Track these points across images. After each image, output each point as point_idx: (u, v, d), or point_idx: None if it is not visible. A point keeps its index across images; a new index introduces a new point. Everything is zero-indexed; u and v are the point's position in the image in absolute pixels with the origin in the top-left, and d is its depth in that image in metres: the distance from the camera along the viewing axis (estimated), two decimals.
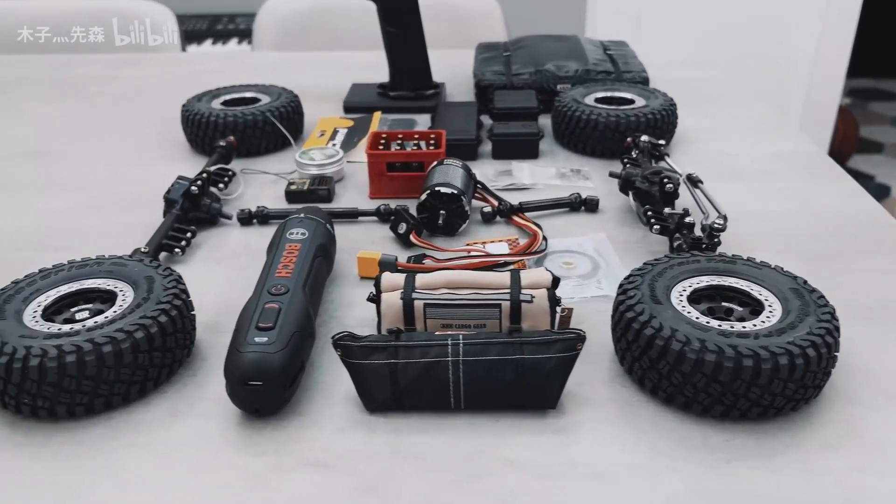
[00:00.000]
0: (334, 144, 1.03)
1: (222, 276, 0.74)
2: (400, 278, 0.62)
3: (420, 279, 0.61)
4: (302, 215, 0.72)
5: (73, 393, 0.53)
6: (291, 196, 0.88)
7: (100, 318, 0.57)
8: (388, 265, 0.72)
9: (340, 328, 0.66)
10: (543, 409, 0.55)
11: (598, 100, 1.03)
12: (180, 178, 0.84)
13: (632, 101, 1.02)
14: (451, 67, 1.32)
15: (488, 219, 0.83)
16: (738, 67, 2.38)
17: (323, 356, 0.62)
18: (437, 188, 0.78)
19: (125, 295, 0.60)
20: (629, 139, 0.94)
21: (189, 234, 0.78)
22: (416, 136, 0.91)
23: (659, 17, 2.72)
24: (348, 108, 1.17)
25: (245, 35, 2.91)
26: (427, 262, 0.73)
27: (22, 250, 0.80)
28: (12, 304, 0.58)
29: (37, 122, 1.18)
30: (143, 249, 0.72)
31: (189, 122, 1.01)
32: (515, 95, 1.07)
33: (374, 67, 1.37)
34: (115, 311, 0.58)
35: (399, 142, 0.91)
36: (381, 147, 0.89)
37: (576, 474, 0.49)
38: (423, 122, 1.13)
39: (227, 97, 1.06)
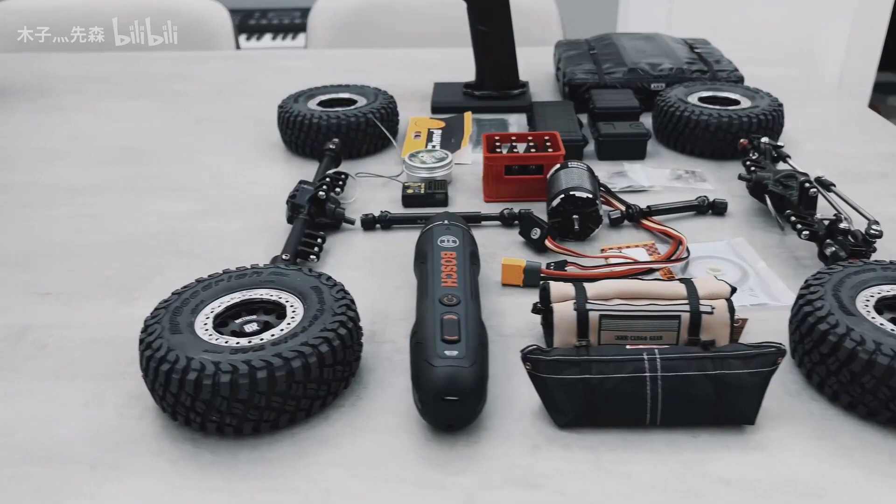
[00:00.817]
0: (434, 146, 1.02)
1: (362, 283, 0.72)
2: (569, 288, 0.60)
3: (591, 289, 0.60)
4: (446, 222, 0.70)
5: (262, 409, 0.52)
6: (408, 200, 0.87)
7: (276, 332, 0.56)
8: (533, 272, 0.71)
9: (497, 337, 0.64)
10: (740, 425, 0.54)
11: (701, 99, 1.01)
12: (303, 182, 0.82)
13: (737, 102, 1.01)
14: (525, 66, 1.30)
15: (616, 223, 0.81)
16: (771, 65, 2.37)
17: (490, 368, 0.60)
18: (571, 192, 0.77)
19: (294, 306, 0.59)
20: (743, 141, 0.92)
21: (320, 240, 0.77)
22: (530, 138, 0.90)
23: (690, 15, 2.70)
24: (436, 109, 1.16)
25: (278, 31, 2.90)
26: (570, 268, 0.72)
27: (150, 255, 0.78)
28: (182, 316, 0.57)
29: (123, 122, 1.16)
30: (283, 257, 0.71)
31: (288, 122, 0.99)
32: (614, 95, 1.06)
33: (444, 65, 1.36)
34: (288, 324, 0.57)
35: (512, 144, 0.89)
36: (496, 150, 0.88)
37: (798, 493, 0.48)
38: (514, 121, 1.11)
39: (323, 97, 1.05)
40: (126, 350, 0.63)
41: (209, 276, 0.63)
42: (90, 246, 0.80)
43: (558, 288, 0.60)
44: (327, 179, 0.83)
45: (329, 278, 0.62)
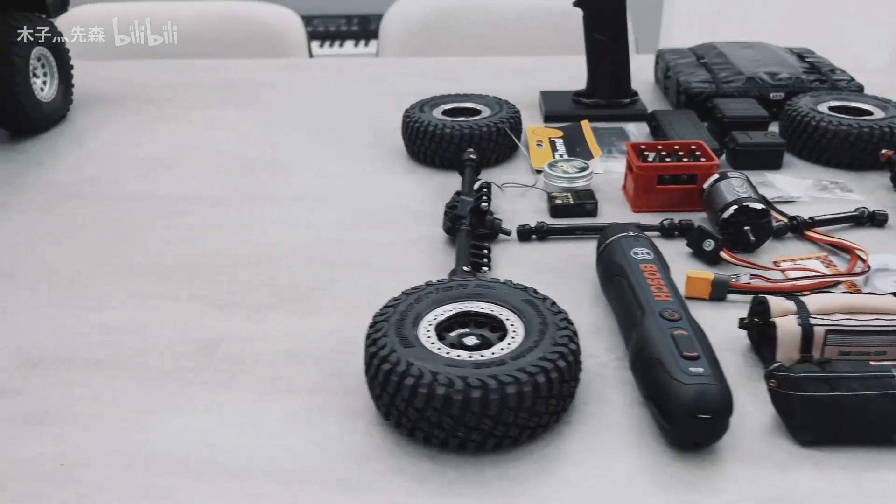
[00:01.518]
0: (561, 155, 1.01)
1: None
2: (786, 302, 0.59)
3: (811, 303, 0.59)
4: (631, 234, 0.69)
5: (508, 425, 0.51)
6: (557, 210, 0.86)
7: (504, 346, 0.55)
8: (722, 285, 0.69)
9: None
10: None
11: (831, 109, 1.00)
12: (459, 192, 0.81)
13: (867, 112, 1.00)
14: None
15: (778, 234, 0.80)
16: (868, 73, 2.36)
17: None
18: (745, 203, 0.76)
19: (510, 320, 0.58)
20: (887, 151, 0.91)
21: (486, 251, 0.76)
22: (676, 147, 0.89)
23: (736, 26, 2.69)
24: (549, 118, 1.15)
25: (324, 38, 2.89)
26: (754, 281, 0.71)
27: (314, 266, 0.77)
28: (405, 329, 0.56)
29: (231, 131, 1.15)
30: (465, 269, 0.70)
31: (417, 132, 0.98)
32: (740, 104, 1.05)
33: (533, 73, 1.35)
34: (513, 338, 0.56)
35: (660, 153, 0.88)
36: (649, 159, 0.87)
37: None
38: (635, 130, 1.10)
39: (447, 106, 1.04)
40: (326, 363, 0.62)
41: (413, 287, 0.62)
42: (248, 256, 0.79)
43: (777, 302, 0.59)
44: (485, 189, 0.82)
45: (536, 291, 0.61)
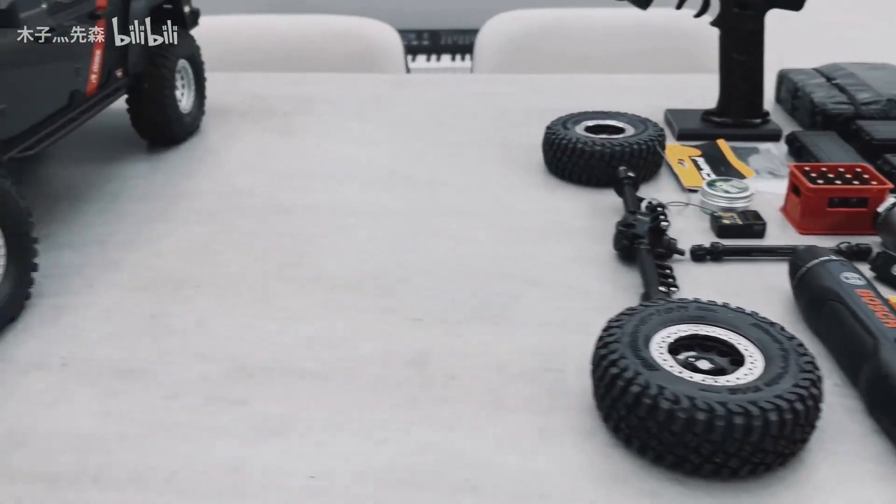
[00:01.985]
0: (708, 174, 1.00)
1: None
2: None
3: None
4: (833, 257, 0.68)
5: (767, 452, 0.50)
6: (724, 230, 0.85)
7: (747, 372, 0.54)
8: None
9: None
10: None
11: None
12: (631, 211, 0.81)
13: None
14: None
15: None
16: None
17: None
18: None
19: (743, 345, 0.57)
20: None
21: (669, 271, 0.76)
22: (842, 170, 0.88)
23: (782, 47, 2.66)
24: (682, 136, 1.14)
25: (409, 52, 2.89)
26: None
27: (490, 280, 0.77)
28: (641, 351, 0.56)
29: (363, 144, 1.14)
30: (661, 290, 0.70)
31: (565, 149, 0.98)
32: (887, 126, 1.03)
33: (644, 90, 1.34)
34: (753, 364, 0.55)
35: (823, 175, 0.87)
36: (819, 182, 0.86)
37: None
38: (772, 150, 1.09)
39: (589, 123, 1.04)
40: (538, 380, 0.62)
41: (629, 308, 0.61)
42: (425, 270, 0.79)
43: None
44: (660, 208, 0.82)
45: (759, 315, 0.60)
